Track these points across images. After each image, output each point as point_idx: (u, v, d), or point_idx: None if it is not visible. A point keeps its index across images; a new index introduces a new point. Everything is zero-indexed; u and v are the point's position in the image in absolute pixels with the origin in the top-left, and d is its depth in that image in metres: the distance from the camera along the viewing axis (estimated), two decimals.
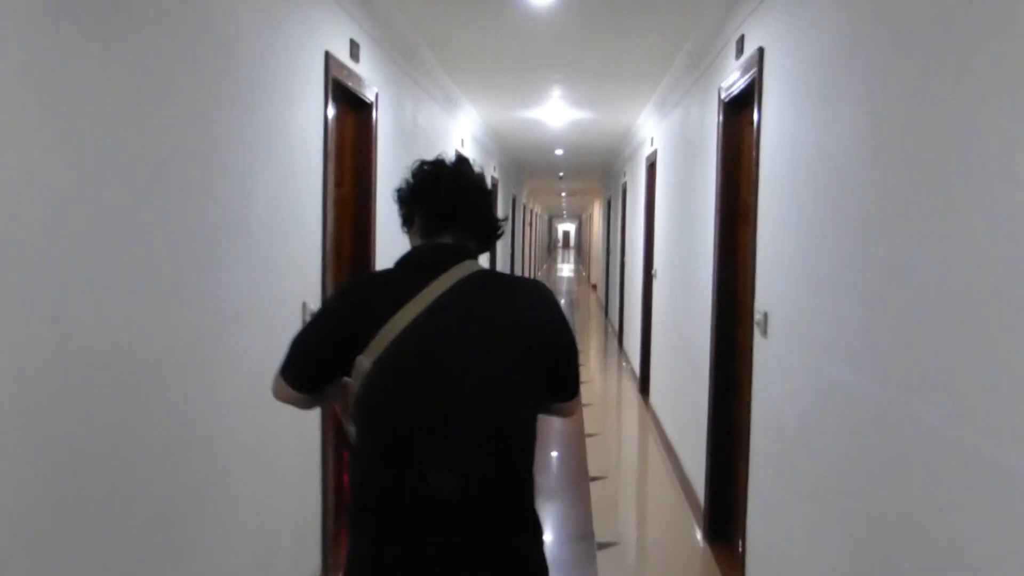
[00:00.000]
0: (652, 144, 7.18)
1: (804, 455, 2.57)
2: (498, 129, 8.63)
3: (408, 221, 1.67)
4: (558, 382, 1.62)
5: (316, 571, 3.24)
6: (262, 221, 2.60)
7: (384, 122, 4.27)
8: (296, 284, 2.97)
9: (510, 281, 1.68)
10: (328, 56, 3.23)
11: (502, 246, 11.51)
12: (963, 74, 1.61)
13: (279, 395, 1.62)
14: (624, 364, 9.73)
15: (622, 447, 6.53)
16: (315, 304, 3.11)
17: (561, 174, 14.96)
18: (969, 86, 1.58)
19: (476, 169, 1.69)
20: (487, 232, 1.67)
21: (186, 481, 2.11)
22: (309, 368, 1.57)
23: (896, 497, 1.84)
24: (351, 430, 1.60)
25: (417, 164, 1.66)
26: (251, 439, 2.53)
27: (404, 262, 1.62)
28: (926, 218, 1.75)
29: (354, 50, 3.62)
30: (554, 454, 5.83)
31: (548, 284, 20.15)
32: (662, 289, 6.58)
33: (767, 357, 3.04)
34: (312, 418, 3.12)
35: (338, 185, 3.84)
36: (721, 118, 3.94)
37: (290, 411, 1.72)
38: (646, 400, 7.45)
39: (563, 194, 22.62)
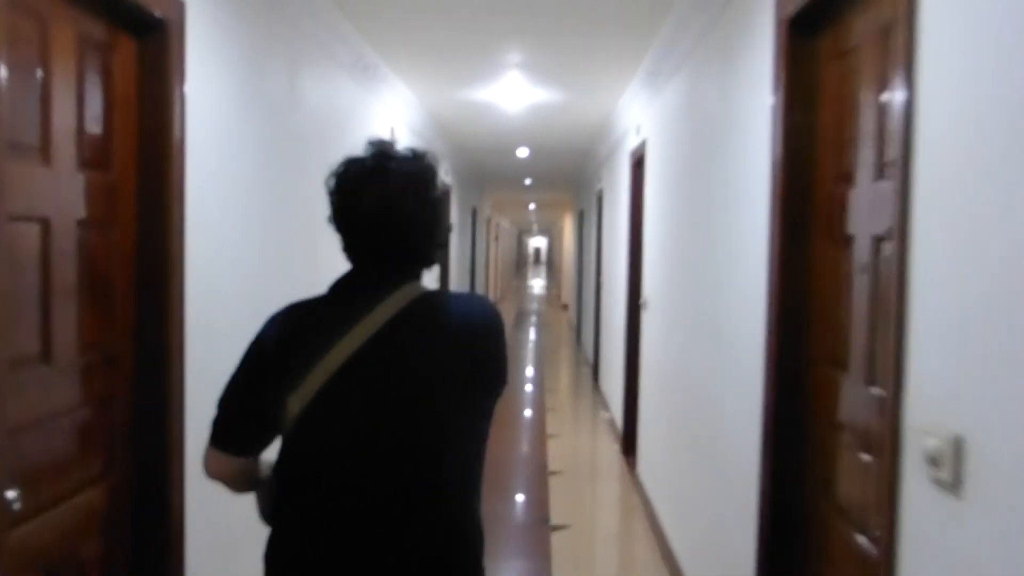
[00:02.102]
0: (638, 134, 5.50)
1: None
2: (443, 117, 6.91)
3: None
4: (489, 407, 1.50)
5: None
6: None
7: (209, 65, 2.54)
8: None
9: (452, 305, 1.48)
10: None
11: (457, 265, 9.79)
12: None
13: (212, 470, 1.43)
14: (600, 409, 7.98)
15: (602, 555, 4.60)
16: None
17: (528, 181, 13.25)
18: None
19: (414, 164, 1.42)
20: (427, 252, 1.47)
21: None
22: (239, 423, 1.39)
23: None
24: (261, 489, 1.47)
25: (342, 165, 1.43)
26: None
27: (335, 289, 1.45)
28: None
29: None
30: (504, 569, 4.08)
31: (514, 304, 18.68)
32: (656, 325, 4.88)
33: (959, 535, 1.33)
34: None
35: (95, 166, 2.10)
36: (780, 55, 2.26)
37: None
38: (631, 467, 5.72)
39: (532, 206, 20.96)
